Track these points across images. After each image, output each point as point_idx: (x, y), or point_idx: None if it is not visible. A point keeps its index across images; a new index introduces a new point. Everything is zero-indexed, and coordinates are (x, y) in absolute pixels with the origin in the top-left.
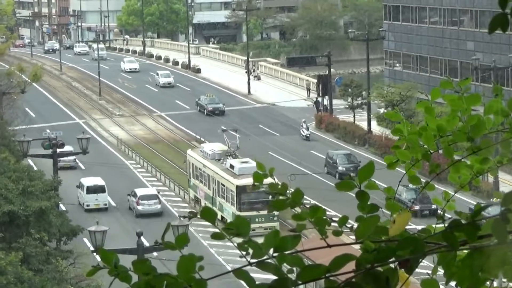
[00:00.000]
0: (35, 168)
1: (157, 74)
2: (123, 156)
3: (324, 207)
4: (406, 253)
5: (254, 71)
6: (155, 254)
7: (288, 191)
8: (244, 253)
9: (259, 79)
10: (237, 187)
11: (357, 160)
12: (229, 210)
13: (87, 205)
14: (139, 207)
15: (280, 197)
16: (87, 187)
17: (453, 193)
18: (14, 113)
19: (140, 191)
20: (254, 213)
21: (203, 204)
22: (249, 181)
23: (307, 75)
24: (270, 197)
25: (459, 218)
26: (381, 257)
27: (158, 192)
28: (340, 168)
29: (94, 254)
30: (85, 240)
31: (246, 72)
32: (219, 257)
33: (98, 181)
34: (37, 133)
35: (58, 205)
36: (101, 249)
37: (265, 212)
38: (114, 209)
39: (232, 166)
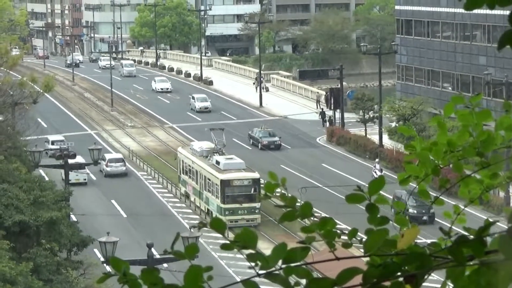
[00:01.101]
0: (46, 179)
1: (193, 98)
2: (135, 167)
3: (335, 220)
4: (412, 267)
5: (262, 82)
6: (165, 265)
7: (298, 204)
8: (253, 264)
9: (267, 90)
10: (221, 181)
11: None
12: (214, 203)
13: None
14: (108, 169)
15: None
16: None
17: (462, 207)
18: (26, 123)
19: (108, 156)
20: (237, 205)
21: (191, 198)
22: (233, 175)
23: (319, 88)
24: (252, 190)
25: (467, 234)
26: (387, 271)
27: (124, 157)
28: (410, 210)
29: (104, 264)
30: (96, 250)
31: (253, 84)
32: (229, 269)
33: (78, 159)
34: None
35: (69, 215)
36: (112, 257)
37: (247, 204)
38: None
39: (217, 162)
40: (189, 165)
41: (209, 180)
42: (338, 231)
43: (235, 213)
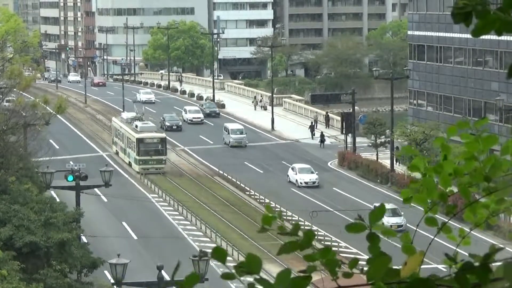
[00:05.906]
0: (58, 200)
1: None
2: (146, 190)
3: (345, 243)
4: None
5: (261, 101)
6: None
7: (303, 228)
8: None
9: (265, 109)
10: (137, 139)
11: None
12: (132, 156)
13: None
14: None
15: (292, 238)
16: None
17: (468, 231)
18: (38, 145)
19: None
20: (148, 157)
21: (120, 155)
22: (145, 135)
23: (331, 113)
24: (160, 146)
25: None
26: None
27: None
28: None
29: (114, 286)
30: (106, 272)
31: (252, 102)
32: None
33: None
34: (60, 165)
35: (80, 237)
36: None
37: (156, 157)
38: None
39: (136, 126)
40: (118, 130)
41: (130, 139)
42: (340, 261)
43: (147, 163)
